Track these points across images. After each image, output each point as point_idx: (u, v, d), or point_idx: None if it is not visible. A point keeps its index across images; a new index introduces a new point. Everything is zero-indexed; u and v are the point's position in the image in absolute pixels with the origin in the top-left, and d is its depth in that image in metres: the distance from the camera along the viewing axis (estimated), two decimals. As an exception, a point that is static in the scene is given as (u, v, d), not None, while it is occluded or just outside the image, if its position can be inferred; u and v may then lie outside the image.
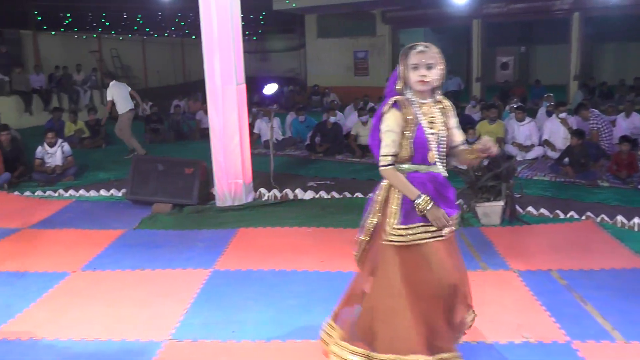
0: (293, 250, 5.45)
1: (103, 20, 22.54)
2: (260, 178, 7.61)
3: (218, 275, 4.91)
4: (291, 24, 24.14)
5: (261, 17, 23.45)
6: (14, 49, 18.12)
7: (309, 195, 7.32)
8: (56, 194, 7.96)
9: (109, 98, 10.96)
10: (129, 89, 11.15)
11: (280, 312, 4.17)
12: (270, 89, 8.07)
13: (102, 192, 7.96)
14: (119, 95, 10.86)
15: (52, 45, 19.98)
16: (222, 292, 4.58)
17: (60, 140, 9.33)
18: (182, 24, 24.26)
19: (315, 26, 21.80)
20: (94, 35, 21.81)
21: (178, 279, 4.87)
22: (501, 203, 6.05)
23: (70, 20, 21.56)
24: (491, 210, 6.07)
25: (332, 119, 10.77)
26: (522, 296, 4.39)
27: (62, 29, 21.09)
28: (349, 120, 12.02)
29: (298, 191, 7.43)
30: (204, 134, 12.60)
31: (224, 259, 5.27)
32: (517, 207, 6.33)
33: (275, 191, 7.41)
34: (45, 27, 20.09)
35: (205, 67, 6.78)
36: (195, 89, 19.72)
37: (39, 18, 19.84)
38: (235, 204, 6.94)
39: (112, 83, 10.95)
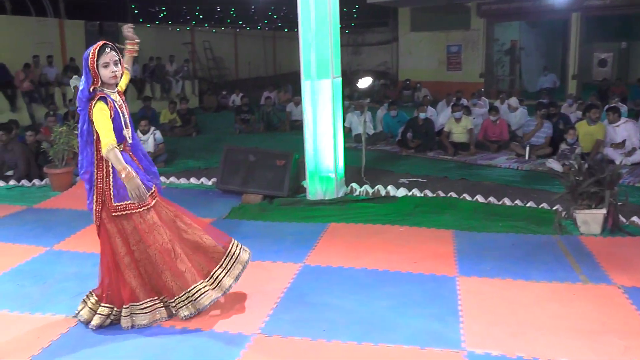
0: (385, 249, 5.21)
1: (197, 13, 23.07)
2: (351, 172, 7.40)
3: (308, 271, 4.74)
4: (384, 17, 23.87)
5: (354, 9, 23.30)
6: (112, 40, 18.65)
7: (401, 192, 7.04)
8: (148, 180, 8.07)
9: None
10: None
11: (372, 314, 3.96)
12: (364, 82, 7.84)
13: (193, 180, 8.00)
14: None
15: (147, 37, 20.55)
16: (312, 288, 4.41)
17: (152, 128, 9.50)
18: (275, 17, 24.50)
19: (409, 19, 21.36)
20: (188, 28, 22.35)
21: (267, 271, 4.74)
22: (603, 211, 5.54)
23: (165, 13, 22.18)
24: (592, 218, 5.58)
25: (421, 116, 10.43)
26: (628, 315, 3.94)
27: (157, 22, 21.72)
28: (441, 116, 11.63)
29: (390, 188, 7.16)
30: (294, 126, 12.65)
31: (314, 254, 5.11)
32: (620, 217, 5.78)
33: (366, 187, 7.17)
34: (141, 19, 20.74)
35: (301, 59, 6.62)
36: (285, 80, 19.81)
37: (136, 11, 20.51)
38: (327, 198, 6.76)
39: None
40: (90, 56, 3.56)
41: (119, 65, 3.64)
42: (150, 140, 9.24)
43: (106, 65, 3.58)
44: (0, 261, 5.11)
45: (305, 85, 6.66)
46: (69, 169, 7.80)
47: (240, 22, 24.28)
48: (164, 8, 21.97)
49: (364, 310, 4.00)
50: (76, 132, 7.83)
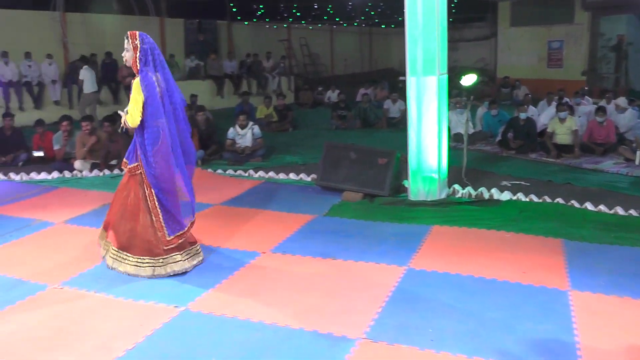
0: (491, 255, 4.96)
1: (294, 10, 23.27)
2: (451, 173, 7.14)
3: (413, 274, 4.58)
4: (482, 12, 23.15)
5: (452, 4, 22.76)
6: (210, 37, 19.38)
7: (505, 196, 6.73)
8: (246, 174, 8.15)
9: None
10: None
11: (481, 325, 3.74)
12: (468, 79, 7.53)
13: (292, 176, 7.99)
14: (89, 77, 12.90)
15: (245, 34, 20.97)
16: (418, 293, 4.24)
17: (251, 123, 9.59)
18: (372, 13, 24.35)
19: (509, 13, 20.62)
20: (284, 25, 22.56)
21: (371, 273, 4.61)
22: None
23: (262, 11, 22.50)
24: None
25: (522, 115, 9.97)
26: None
27: (255, 19, 22.07)
28: (543, 116, 11.05)
29: (494, 191, 6.86)
30: (391, 123, 12.47)
31: (418, 257, 4.92)
32: None
33: (469, 188, 6.90)
34: (239, 17, 21.14)
35: (407, 55, 6.43)
36: (381, 77, 19.61)
37: (234, 9, 20.92)
38: (429, 199, 6.56)
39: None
40: None
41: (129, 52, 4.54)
42: (248, 134, 9.33)
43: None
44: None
45: (411, 82, 6.46)
46: (172, 161, 7.99)
47: (337, 19, 24.32)
48: (261, 6, 22.28)
49: (472, 321, 3.80)
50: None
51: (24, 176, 8.26)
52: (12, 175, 8.32)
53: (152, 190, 4.52)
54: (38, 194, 7.37)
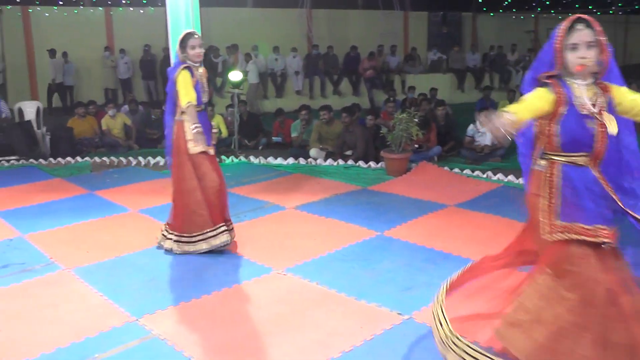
0: None
1: (543, -1, 21.74)
2: None
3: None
4: None
5: None
6: (454, 29, 18.88)
7: None
8: (484, 175, 7.50)
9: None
10: None
11: None
12: None
13: (534, 181, 7.13)
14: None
15: (489, 26, 20.13)
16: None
17: (488, 121, 8.89)
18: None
19: None
20: (532, 15, 21.20)
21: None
22: None
23: (509, 1, 21.35)
24: None
25: None
26: None
27: (501, 10, 20.99)
28: None
29: None
30: None
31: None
32: None
33: None
34: (484, 8, 20.29)
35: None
36: (635, 72, 17.29)
37: (480, 0, 20.12)
38: None
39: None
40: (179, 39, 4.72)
41: (200, 48, 4.69)
42: (488, 132, 8.64)
43: (193, 47, 4.65)
44: (334, 239, 5.15)
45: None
46: (406, 155, 7.71)
47: (589, 7, 22.09)
48: (508, -5, 21.17)
49: None
50: (416, 120, 7.72)
51: (262, 160, 8.63)
52: (251, 158, 8.77)
53: None
54: (273, 178, 7.61)
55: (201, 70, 4.80)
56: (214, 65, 14.13)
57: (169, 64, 5.49)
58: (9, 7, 15.13)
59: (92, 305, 3.98)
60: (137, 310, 3.84)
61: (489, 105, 11.63)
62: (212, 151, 4.82)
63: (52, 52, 14.16)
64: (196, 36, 4.73)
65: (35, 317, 3.82)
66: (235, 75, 9.35)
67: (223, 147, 9.20)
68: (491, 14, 20.32)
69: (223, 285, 4.25)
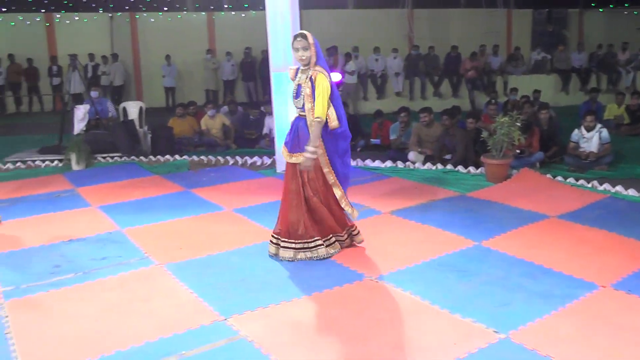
0: None
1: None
2: None
3: None
4: None
5: None
6: (559, 27, 18.12)
7: None
8: (589, 185, 7.17)
9: None
10: None
11: None
12: None
13: (642, 193, 6.74)
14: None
15: (597, 23, 19.18)
16: None
17: (598, 125, 8.47)
18: None
19: None
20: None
21: None
22: None
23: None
24: None
25: None
26: None
27: (611, 5, 19.87)
28: None
29: None
30: None
31: None
32: None
33: None
34: (593, 4, 19.30)
35: None
36: None
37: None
38: None
39: None
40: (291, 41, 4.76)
41: (308, 50, 4.63)
42: (594, 138, 8.24)
43: (296, 50, 4.65)
44: (429, 247, 5.09)
45: None
46: (507, 161, 7.52)
47: None
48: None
49: None
50: (518, 123, 7.50)
51: (359, 162, 8.67)
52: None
53: None
54: (370, 181, 7.63)
55: (310, 73, 4.70)
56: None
57: (267, 66, 5.66)
58: (119, 14, 16.18)
59: (182, 301, 4.13)
60: (226, 310, 3.93)
61: (595, 108, 11.10)
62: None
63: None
64: (299, 39, 4.67)
65: (128, 309, 4.02)
66: (335, 77, 9.47)
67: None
68: (600, 10, 19.30)
69: (314, 289, 4.26)
